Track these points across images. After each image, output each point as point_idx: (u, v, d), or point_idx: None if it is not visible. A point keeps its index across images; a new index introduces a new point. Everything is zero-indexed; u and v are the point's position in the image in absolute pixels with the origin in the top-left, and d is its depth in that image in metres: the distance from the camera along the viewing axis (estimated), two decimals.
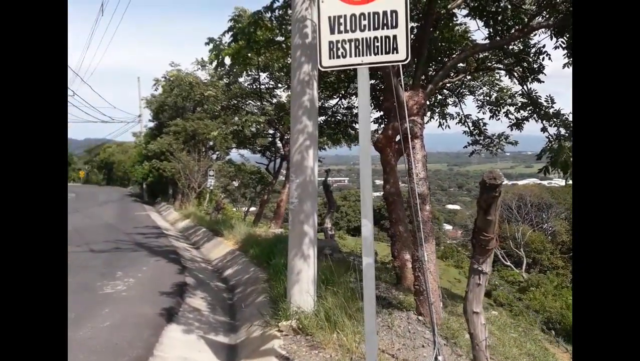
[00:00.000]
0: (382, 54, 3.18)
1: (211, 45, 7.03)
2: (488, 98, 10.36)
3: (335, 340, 4.42)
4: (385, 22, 3.13)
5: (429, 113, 10.73)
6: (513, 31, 7.18)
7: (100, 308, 6.49)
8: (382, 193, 7.59)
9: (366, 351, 3.17)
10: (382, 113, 10.04)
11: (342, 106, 13.46)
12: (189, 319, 6.22)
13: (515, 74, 8.80)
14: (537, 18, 6.94)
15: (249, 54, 7.36)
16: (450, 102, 10.97)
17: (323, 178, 13.25)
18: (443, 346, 4.43)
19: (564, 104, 8.65)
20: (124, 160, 56.93)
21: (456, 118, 10.93)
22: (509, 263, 28.04)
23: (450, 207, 71.10)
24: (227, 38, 7.30)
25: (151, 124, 36.48)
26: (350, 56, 3.23)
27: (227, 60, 7.43)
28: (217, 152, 29.02)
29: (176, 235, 17.24)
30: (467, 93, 10.76)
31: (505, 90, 10.05)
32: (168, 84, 16.75)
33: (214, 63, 7.16)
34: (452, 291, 12.95)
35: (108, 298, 7.14)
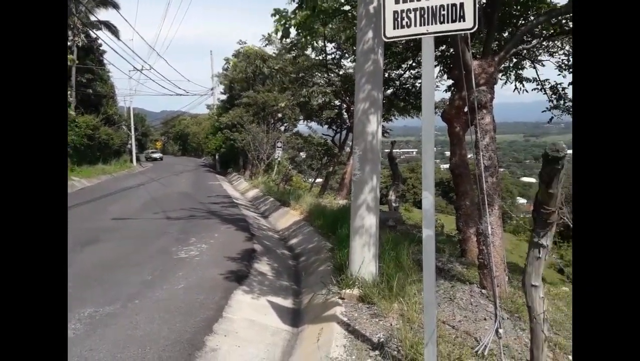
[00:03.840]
0: (448, 22, 3.08)
1: (277, 17, 7.09)
2: (567, 62, 9.73)
3: (397, 309, 4.49)
4: None
5: (504, 77, 10.26)
6: None
7: (175, 272, 6.94)
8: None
9: (424, 321, 3.20)
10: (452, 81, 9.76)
11: (411, 75, 13.18)
12: (256, 283, 6.51)
13: None
14: None
15: (315, 25, 7.33)
16: (527, 65, 10.38)
17: (388, 150, 13.13)
18: (505, 320, 4.38)
19: None
20: (197, 131, 59.39)
21: (533, 82, 10.37)
22: None
23: (525, 179, 68.20)
24: (292, 6, 7.32)
25: (223, 97, 37.59)
26: (415, 25, 3.17)
27: (293, 31, 7.45)
28: (285, 124, 29.51)
29: (246, 204, 17.86)
30: (545, 57, 10.12)
31: None
32: (242, 58, 17.13)
33: (279, 33, 7.20)
34: (521, 266, 12.58)
35: (182, 262, 7.60)
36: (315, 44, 13.48)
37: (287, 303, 5.96)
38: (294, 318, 5.41)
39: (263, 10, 7.67)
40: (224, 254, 8.15)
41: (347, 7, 9.14)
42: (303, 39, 8.02)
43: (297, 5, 7.25)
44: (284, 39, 7.97)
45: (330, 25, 11.69)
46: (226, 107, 34.70)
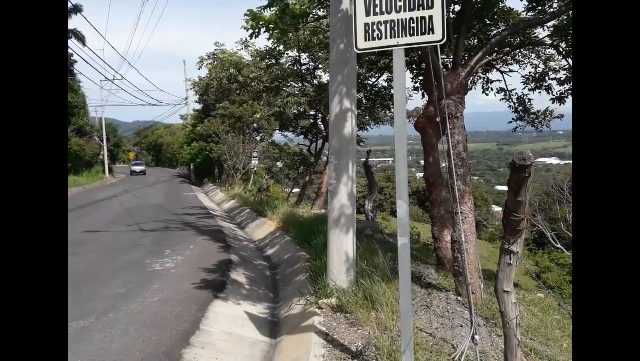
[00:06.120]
0: (417, 34, 3.14)
1: (249, 16, 7.12)
2: (534, 74, 9.99)
3: (374, 318, 4.50)
4: (420, 2, 3.09)
5: (471, 84, 10.42)
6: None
7: (150, 284, 6.84)
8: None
9: (401, 329, 3.23)
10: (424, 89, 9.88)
11: (384, 80, 13.32)
12: (233, 295, 6.45)
13: (560, 47, 8.47)
14: None
15: (286, 24, 7.36)
16: (494, 72, 10.59)
17: (364, 160, 13.22)
18: (481, 327, 4.44)
19: None
20: (171, 142, 58.71)
21: (501, 92, 10.59)
22: (559, 246, 27.16)
23: (499, 187, 69.23)
24: (264, 3, 7.34)
25: (197, 106, 37.28)
26: (386, 37, 3.22)
27: (263, 33, 7.47)
28: (261, 134, 29.43)
29: (222, 215, 17.71)
30: (513, 66, 10.35)
31: (553, 58, 9.69)
32: (214, 68, 16.96)
33: (250, 31, 7.20)
34: None
35: (157, 274, 7.49)
36: (289, 53, 13.53)
37: (265, 314, 5.93)
38: (272, 329, 5.38)
39: (239, 20, 7.62)
40: (199, 266, 8.06)
41: (320, 12, 9.22)
42: (275, 40, 8.06)
43: (267, 4, 7.28)
44: (254, 38, 7.92)
45: (303, 31, 11.74)
46: (201, 116, 34.43)
